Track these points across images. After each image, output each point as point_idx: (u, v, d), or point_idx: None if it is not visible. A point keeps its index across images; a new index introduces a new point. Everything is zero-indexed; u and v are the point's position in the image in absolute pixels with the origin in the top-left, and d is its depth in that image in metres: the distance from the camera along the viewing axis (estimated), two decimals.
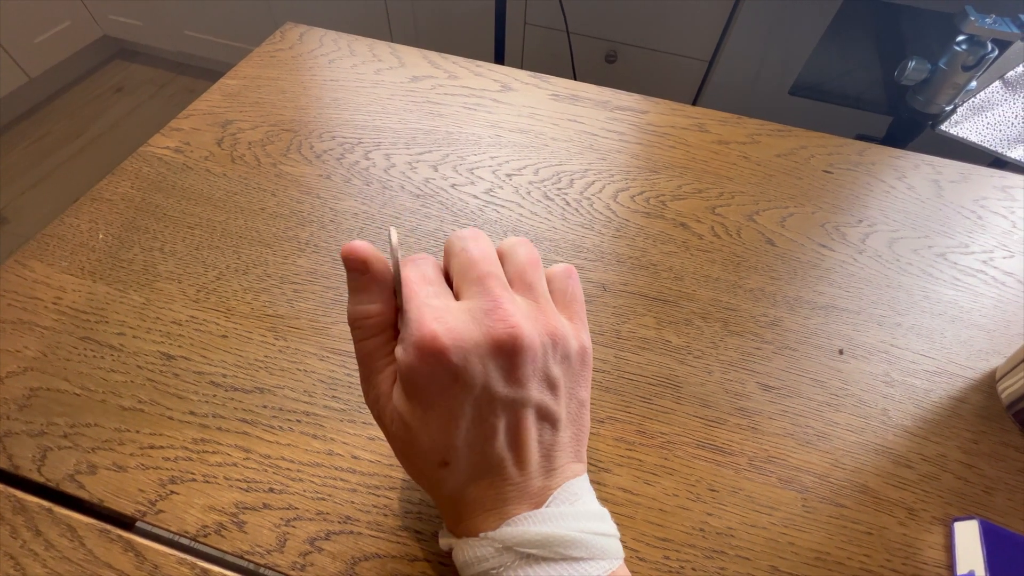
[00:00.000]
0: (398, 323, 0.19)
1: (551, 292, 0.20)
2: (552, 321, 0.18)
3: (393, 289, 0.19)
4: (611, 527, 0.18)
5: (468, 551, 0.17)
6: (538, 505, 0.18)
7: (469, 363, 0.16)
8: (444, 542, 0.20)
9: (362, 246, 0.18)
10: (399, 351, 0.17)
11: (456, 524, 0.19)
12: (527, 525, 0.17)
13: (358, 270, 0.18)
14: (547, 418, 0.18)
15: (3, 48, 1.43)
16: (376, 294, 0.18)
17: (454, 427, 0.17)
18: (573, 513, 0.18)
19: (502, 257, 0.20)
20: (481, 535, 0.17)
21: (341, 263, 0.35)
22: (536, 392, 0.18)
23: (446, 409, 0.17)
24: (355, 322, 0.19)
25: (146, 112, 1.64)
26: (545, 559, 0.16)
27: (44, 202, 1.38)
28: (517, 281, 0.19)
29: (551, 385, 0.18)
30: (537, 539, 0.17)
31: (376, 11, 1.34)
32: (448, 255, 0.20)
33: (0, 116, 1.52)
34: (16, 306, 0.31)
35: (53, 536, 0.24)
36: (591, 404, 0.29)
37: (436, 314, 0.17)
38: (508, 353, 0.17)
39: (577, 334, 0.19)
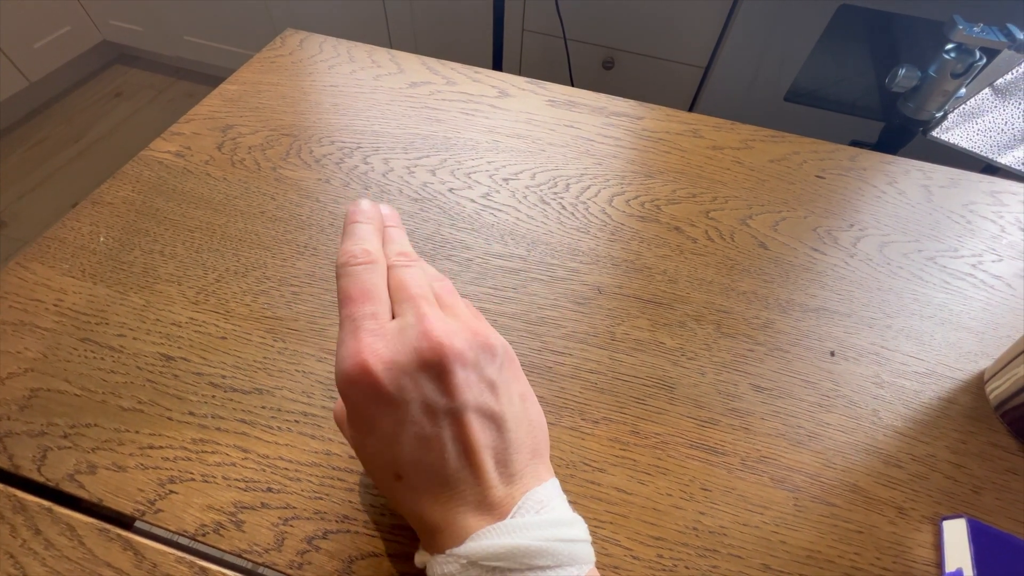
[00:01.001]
0: None
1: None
2: (475, 326, 0.19)
3: None
4: (580, 532, 0.18)
5: (436, 568, 0.18)
6: (502, 517, 0.18)
7: (402, 384, 0.17)
8: (419, 560, 0.20)
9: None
10: (335, 366, 0.18)
11: (427, 541, 0.19)
12: (491, 538, 0.17)
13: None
14: (492, 419, 0.18)
15: (3, 52, 1.44)
16: None
17: (397, 445, 0.18)
18: (538, 522, 0.17)
19: None
20: (447, 552, 0.17)
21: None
22: (474, 396, 0.18)
23: (387, 430, 0.18)
24: None
25: (145, 117, 1.65)
26: (510, 570, 0.16)
27: (42, 206, 1.38)
28: (437, 301, 0.20)
29: (490, 386, 0.19)
30: (501, 552, 0.17)
31: (375, 17, 1.35)
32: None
33: None
34: (17, 308, 0.32)
35: (53, 535, 0.24)
36: (589, 406, 0.30)
37: (366, 339, 0.18)
38: (438, 364, 0.17)
39: (496, 335, 0.21)
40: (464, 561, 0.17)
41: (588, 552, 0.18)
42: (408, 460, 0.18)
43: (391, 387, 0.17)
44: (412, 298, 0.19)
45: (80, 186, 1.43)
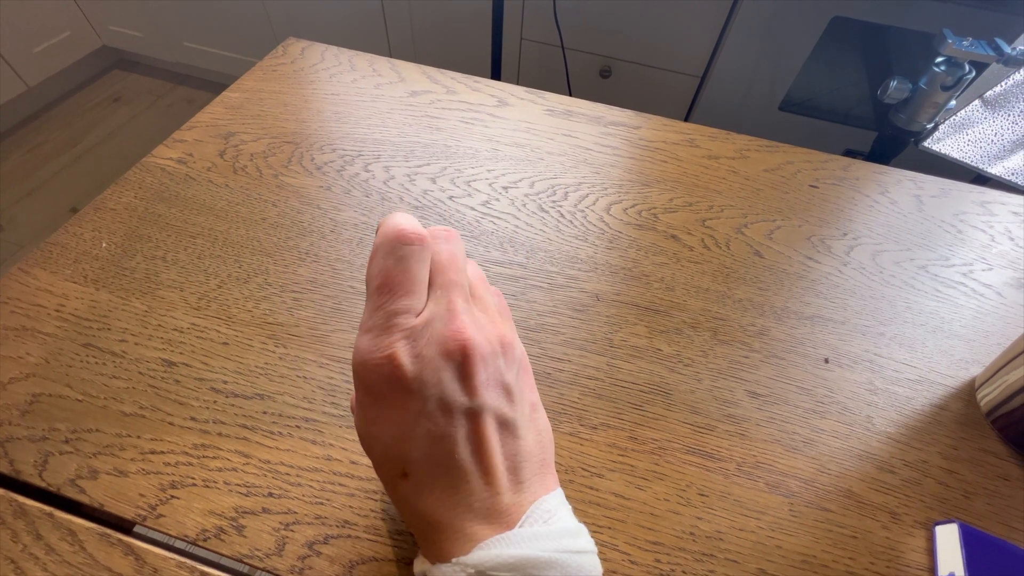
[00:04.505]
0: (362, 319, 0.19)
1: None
2: (501, 329, 0.19)
3: None
4: (586, 543, 0.18)
5: None
6: (510, 526, 0.17)
7: (423, 376, 0.17)
8: (419, 568, 0.19)
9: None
10: (354, 351, 0.18)
11: (428, 547, 0.18)
12: (500, 548, 0.16)
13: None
14: (506, 425, 0.18)
15: (2, 57, 1.44)
16: None
17: (409, 438, 0.17)
18: (547, 533, 0.17)
19: None
20: (453, 560, 0.17)
21: (341, 273, 0.35)
22: (492, 399, 0.18)
23: (399, 420, 0.17)
24: None
25: (143, 122, 1.65)
26: None
27: (40, 210, 1.38)
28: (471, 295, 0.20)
29: (506, 391, 0.18)
30: (510, 562, 0.16)
31: (375, 25, 1.36)
32: None
33: None
34: (19, 313, 0.32)
35: (54, 540, 0.24)
36: (588, 412, 0.30)
37: (397, 337, 0.17)
38: (461, 360, 0.17)
39: (518, 339, 0.20)
40: (472, 571, 0.16)
41: (595, 563, 0.18)
42: (417, 456, 0.17)
43: (412, 376, 0.17)
44: (448, 284, 0.19)
45: (78, 191, 1.43)
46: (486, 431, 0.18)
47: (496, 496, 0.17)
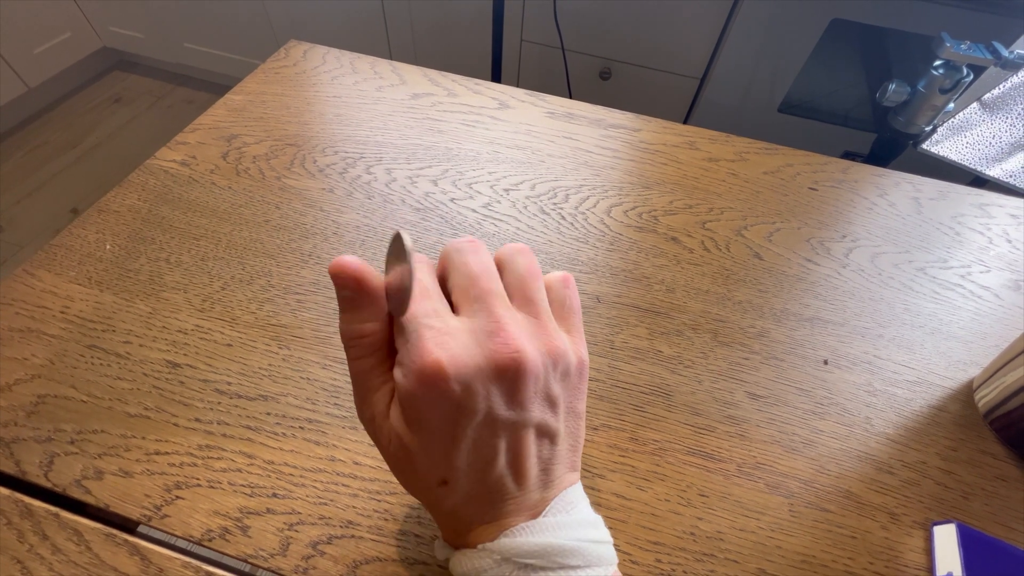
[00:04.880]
0: (394, 338, 0.18)
1: (549, 302, 0.20)
2: (553, 339, 0.18)
3: (390, 304, 0.18)
4: (604, 534, 0.19)
5: (466, 562, 0.18)
6: (535, 515, 0.18)
7: (472, 390, 0.16)
8: (441, 552, 0.20)
9: (353, 262, 0.17)
10: (399, 375, 0.17)
11: (454, 536, 0.19)
12: (525, 536, 0.17)
13: (350, 288, 0.17)
14: (546, 435, 0.18)
15: (3, 58, 1.44)
16: (370, 313, 0.18)
17: (455, 451, 0.17)
18: (569, 522, 0.18)
19: (500, 267, 0.19)
20: (480, 547, 0.17)
21: None
22: (537, 412, 0.18)
23: (448, 434, 0.17)
24: (350, 341, 0.18)
25: (144, 123, 1.65)
26: (543, 568, 0.17)
27: (40, 211, 1.38)
28: (517, 295, 0.18)
29: (551, 403, 0.18)
30: (535, 549, 0.17)
31: (375, 25, 1.36)
32: (446, 266, 0.19)
33: None
34: (24, 315, 0.32)
35: (60, 540, 0.24)
36: (586, 412, 0.30)
37: (437, 338, 0.16)
38: (511, 378, 0.16)
39: (576, 348, 0.19)
40: (498, 556, 0.17)
41: (612, 554, 0.19)
42: (460, 466, 0.17)
43: (462, 393, 0.16)
44: (484, 295, 0.17)
45: (78, 191, 1.43)
46: (526, 443, 0.18)
47: (526, 495, 0.18)
